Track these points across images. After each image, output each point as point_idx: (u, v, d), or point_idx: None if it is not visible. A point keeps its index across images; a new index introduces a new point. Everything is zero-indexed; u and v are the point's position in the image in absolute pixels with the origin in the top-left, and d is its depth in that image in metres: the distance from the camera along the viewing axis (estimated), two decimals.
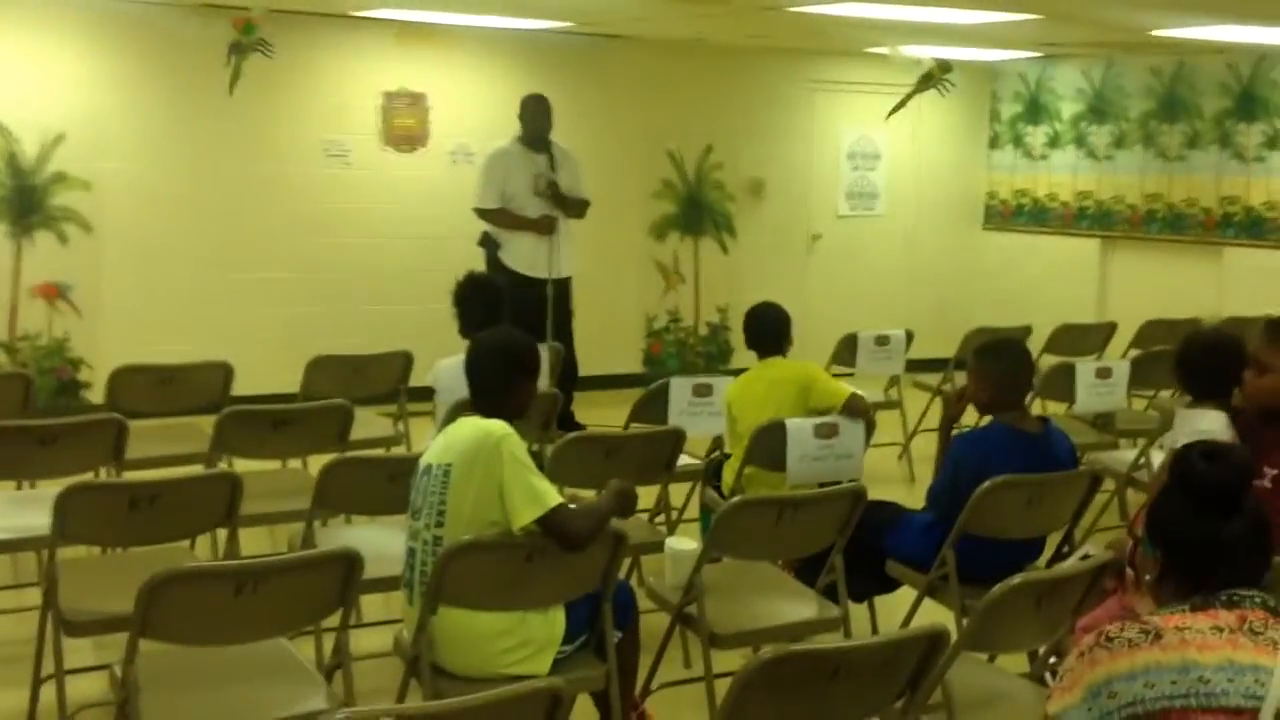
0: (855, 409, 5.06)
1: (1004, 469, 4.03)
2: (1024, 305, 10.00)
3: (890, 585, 4.52)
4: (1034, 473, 4.12)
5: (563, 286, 7.54)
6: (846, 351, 7.20)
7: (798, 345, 5.49)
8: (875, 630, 4.58)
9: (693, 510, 5.47)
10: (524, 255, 7.43)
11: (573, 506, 3.46)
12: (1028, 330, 7.72)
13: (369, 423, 5.70)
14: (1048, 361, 7.29)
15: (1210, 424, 3.99)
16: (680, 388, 5.36)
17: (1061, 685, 2.11)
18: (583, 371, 7.91)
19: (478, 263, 7.42)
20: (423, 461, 3.51)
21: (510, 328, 3.96)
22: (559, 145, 7.44)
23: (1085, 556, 3.80)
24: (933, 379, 7.63)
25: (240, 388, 5.82)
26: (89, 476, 4.68)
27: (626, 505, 3.63)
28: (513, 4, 7.59)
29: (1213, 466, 2.21)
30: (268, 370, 6.99)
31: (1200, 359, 4.26)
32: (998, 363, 4.39)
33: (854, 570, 4.13)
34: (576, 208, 7.54)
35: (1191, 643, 2.04)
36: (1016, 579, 3.18)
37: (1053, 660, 3.52)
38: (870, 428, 5.15)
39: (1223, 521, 2.17)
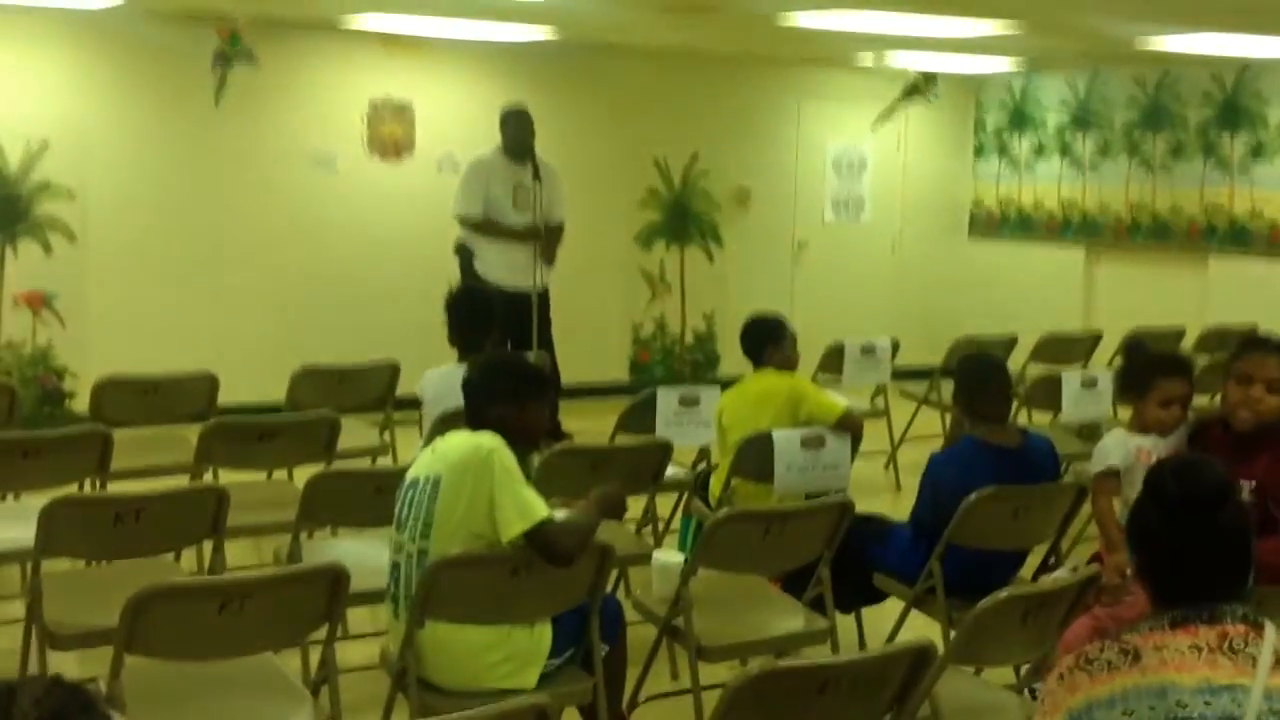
0: (848, 427, 5.08)
1: (980, 484, 4.03)
2: (1009, 314, 10.03)
3: (877, 597, 4.52)
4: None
5: (541, 297, 7.52)
6: (833, 360, 7.20)
7: None
8: (863, 642, 4.58)
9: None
10: (498, 265, 7.40)
11: (560, 514, 3.46)
12: (1013, 339, 7.73)
13: (355, 432, 5.68)
14: (1034, 371, 7.31)
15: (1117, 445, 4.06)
16: (667, 398, 5.35)
17: (1043, 709, 2.10)
18: (569, 380, 7.89)
19: None
20: (409, 475, 3.50)
21: (512, 353, 3.98)
22: (544, 161, 7.40)
23: (1074, 569, 3.81)
24: (919, 388, 7.64)
25: (225, 397, 5.80)
26: (73, 489, 4.66)
27: (614, 510, 3.63)
28: (498, 12, 7.58)
29: (1183, 482, 2.20)
30: (253, 380, 6.96)
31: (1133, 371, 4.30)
32: (970, 374, 4.42)
33: (841, 582, 4.12)
34: (555, 239, 7.50)
35: (1170, 663, 2.03)
36: (1003, 593, 3.19)
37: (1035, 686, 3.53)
38: (857, 438, 5.16)
39: (1193, 535, 2.16)
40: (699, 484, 5.32)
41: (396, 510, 3.48)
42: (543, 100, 7.99)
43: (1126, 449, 4.08)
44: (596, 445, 5.04)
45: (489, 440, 3.38)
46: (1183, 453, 3.86)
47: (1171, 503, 2.19)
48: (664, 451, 4.77)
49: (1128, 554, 3.83)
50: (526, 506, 3.32)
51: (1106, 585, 3.66)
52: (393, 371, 6.13)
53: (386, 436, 6.04)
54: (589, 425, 6.97)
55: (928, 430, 7.18)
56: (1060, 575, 3.80)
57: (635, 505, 5.08)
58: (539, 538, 3.30)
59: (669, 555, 4.19)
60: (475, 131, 8.26)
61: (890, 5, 6.67)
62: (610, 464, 4.66)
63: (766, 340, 5.41)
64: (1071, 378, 6.35)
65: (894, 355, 7.30)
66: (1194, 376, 4.34)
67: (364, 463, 5.59)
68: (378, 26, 8.20)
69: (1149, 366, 4.24)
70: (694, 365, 9.90)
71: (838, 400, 5.34)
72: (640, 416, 5.44)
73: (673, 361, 9.86)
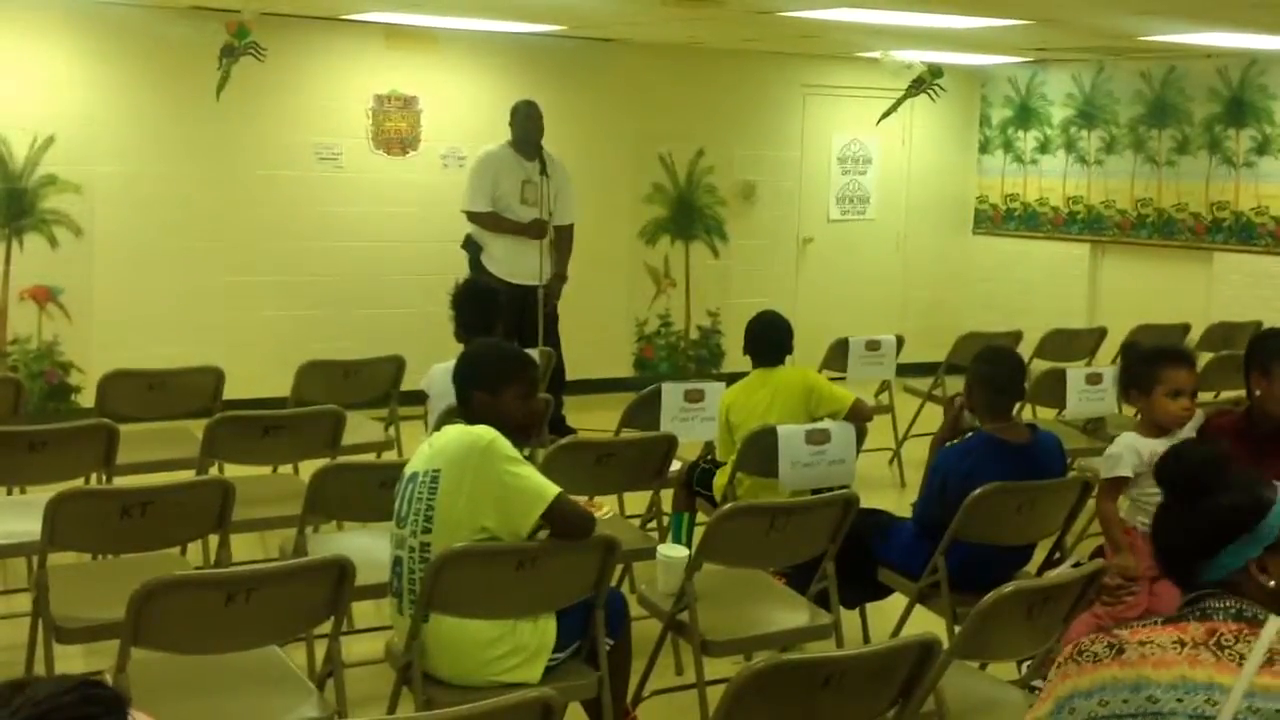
0: (861, 414, 5.09)
1: (989, 480, 4.02)
2: (1014, 310, 10.03)
3: (882, 592, 4.52)
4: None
5: (547, 291, 7.53)
6: (837, 356, 7.21)
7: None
8: (867, 637, 4.59)
9: None
10: (504, 260, 7.42)
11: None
12: (1018, 335, 7.73)
13: (360, 427, 5.70)
14: (1038, 366, 7.30)
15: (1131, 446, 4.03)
16: (672, 393, 5.35)
17: (1040, 695, 2.12)
18: (574, 375, 7.91)
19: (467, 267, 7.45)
20: (407, 470, 3.51)
21: (497, 340, 3.97)
22: (552, 157, 7.40)
23: (1077, 564, 3.81)
24: (923, 384, 7.64)
25: (231, 392, 5.81)
26: (79, 482, 4.68)
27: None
28: (503, 7, 7.58)
29: (1171, 465, 2.21)
30: (259, 374, 6.97)
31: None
32: (986, 368, 4.39)
33: (846, 577, 4.13)
34: (566, 241, 7.54)
35: (1149, 659, 2.01)
36: (1008, 587, 3.18)
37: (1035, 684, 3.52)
38: (862, 433, 5.17)
39: (1179, 510, 2.15)
40: (699, 479, 5.31)
41: (396, 506, 3.48)
42: (548, 95, 7.98)
43: (1140, 457, 3.96)
44: (601, 440, 5.04)
45: (485, 432, 3.38)
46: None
47: (1168, 484, 2.20)
48: (668, 446, 4.77)
49: (1130, 557, 3.86)
50: (540, 486, 3.35)
51: (1109, 585, 3.67)
52: (398, 366, 6.15)
53: (391, 431, 6.05)
54: (593, 420, 6.98)
55: (932, 426, 7.12)
56: (1065, 570, 3.80)
57: (640, 500, 5.10)
58: (559, 512, 3.34)
59: (674, 550, 4.19)
60: (481, 126, 8.26)
61: (896, 3, 6.66)
62: (615, 459, 4.67)
63: (790, 339, 5.42)
64: (1076, 374, 6.36)
65: (898, 351, 7.30)
66: (1196, 369, 4.31)
67: (369, 457, 5.59)
68: (383, 19, 8.19)
69: (1150, 360, 4.14)
70: (698, 361, 9.90)
71: (847, 390, 5.34)
72: (645, 412, 5.45)
73: (677, 357, 9.86)
